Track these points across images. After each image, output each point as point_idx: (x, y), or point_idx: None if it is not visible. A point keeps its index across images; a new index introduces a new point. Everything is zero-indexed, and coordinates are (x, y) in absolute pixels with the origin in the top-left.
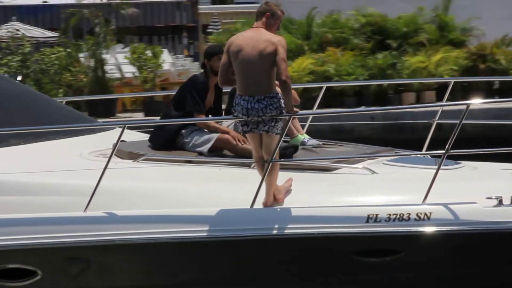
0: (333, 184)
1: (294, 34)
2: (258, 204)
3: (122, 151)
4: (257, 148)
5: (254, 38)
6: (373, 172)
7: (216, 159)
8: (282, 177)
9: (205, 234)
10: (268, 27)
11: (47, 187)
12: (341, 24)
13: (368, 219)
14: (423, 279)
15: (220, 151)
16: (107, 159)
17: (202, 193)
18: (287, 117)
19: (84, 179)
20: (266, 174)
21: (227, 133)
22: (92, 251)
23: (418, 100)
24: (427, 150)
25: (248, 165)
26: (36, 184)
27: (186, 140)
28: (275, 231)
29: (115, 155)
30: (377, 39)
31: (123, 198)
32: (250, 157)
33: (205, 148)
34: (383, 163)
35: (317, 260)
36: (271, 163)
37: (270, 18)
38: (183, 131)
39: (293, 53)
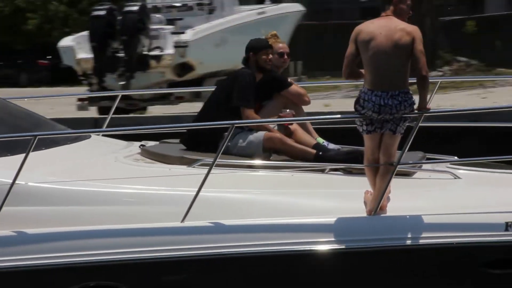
0: (427, 190)
1: None
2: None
3: (168, 156)
4: (374, 150)
5: (387, 27)
6: (456, 177)
7: (282, 163)
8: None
9: (327, 245)
10: (398, 15)
11: (114, 196)
12: None
13: (507, 226)
14: None
15: (270, 152)
16: (151, 164)
17: (288, 201)
18: (419, 116)
19: (150, 186)
20: (381, 179)
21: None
22: (193, 266)
23: None
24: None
25: (322, 170)
26: (99, 194)
27: (228, 143)
28: (408, 241)
29: (156, 160)
30: None
31: (204, 207)
32: (300, 158)
33: (257, 150)
34: (447, 167)
35: (447, 272)
36: (389, 167)
37: (400, 3)
38: (225, 133)
39: None
